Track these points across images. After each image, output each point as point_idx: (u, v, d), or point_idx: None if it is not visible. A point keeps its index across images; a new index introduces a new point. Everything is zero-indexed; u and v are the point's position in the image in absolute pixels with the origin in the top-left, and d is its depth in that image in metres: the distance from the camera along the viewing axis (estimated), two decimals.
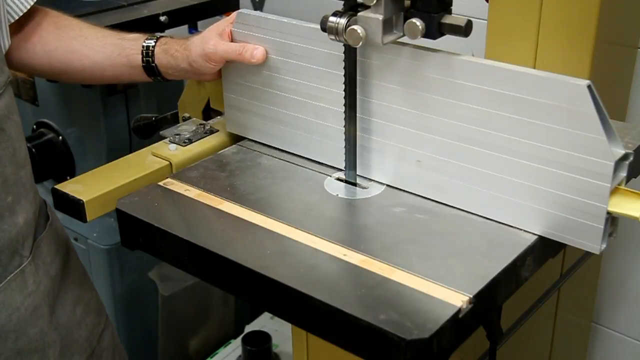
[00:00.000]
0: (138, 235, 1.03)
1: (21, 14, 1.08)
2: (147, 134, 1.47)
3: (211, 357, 1.90)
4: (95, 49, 1.15)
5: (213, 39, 1.12)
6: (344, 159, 1.08)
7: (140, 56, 1.15)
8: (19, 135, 1.02)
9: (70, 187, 1.09)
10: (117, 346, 1.29)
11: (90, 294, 1.21)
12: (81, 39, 1.16)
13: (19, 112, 1.03)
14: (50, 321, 1.09)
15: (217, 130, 1.25)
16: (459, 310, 0.81)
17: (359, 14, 0.94)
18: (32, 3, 1.09)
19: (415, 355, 0.77)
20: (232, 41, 1.13)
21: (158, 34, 1.18)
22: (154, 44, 1.15)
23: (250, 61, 1.11)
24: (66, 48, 1.15)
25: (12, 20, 1.08)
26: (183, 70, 1.14)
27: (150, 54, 1.14)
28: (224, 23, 1.14)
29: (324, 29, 0.98)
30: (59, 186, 1.09)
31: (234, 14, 1.14)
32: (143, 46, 1.15)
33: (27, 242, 1.03)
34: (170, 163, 1.15)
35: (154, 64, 1.14)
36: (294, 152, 1.16)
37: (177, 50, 1.14)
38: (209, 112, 1.33)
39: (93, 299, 1.22)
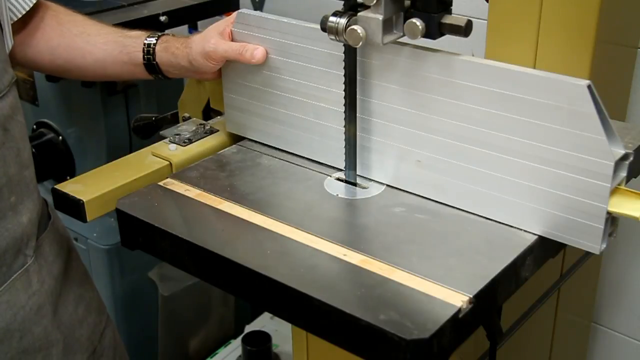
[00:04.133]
0: (138, 235, 1.03)
1: (24, 12, 1.08)
2: (147, 134, 1.47)
3: (211, 357, 1.90)
4: (98, 46, 1.15)
5: (214, 38, 1.12)
6: (344, 159, 1.08)
7: (141, 54, 1.15)
8: (23, 135, 1.02)
9: (70, 187, 1.09)
10: (118, 345, 1.29)
11: (92, 293, 1.21)
12: (84, 35, 1.16)
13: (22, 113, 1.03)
14: (54, 320, 1.09)
15: (217, 130, 1.24)
16: (459, 310, 0.81)
17: (359, 14, 0.94)
18: (35, 0, 1.09)
19: (415, 355, 0.77)
20: (232, 41, 1.13)
21: (159, 33, 1.18)
22: (155, 41, 1.15)
23: (250, 61, 1.11)
24: (69, 45, 1.16)
25: (16, 19, 1.07)
26: (184, 68, 1.14)
27: (151, 51, 1.14)
28: (225, 23, 1.14)
29: (324, 29, 0.98)
30: (59, 186, 1.09)
31: (234, 14, 1.14)
32: (144, 44, 1.15)
33: (31, 242, 1.04)
34: (170, 163, 1.15)
35: (154, 62, 1.15)
36: (294, 152, 1.16)
37: (177, 48, 1.14)
38: (209, 112, 1.33)
39: (94, 298, 1.22)
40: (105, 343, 1.22)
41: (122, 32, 1.18)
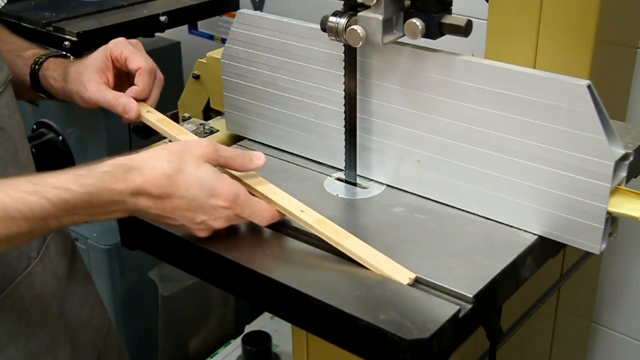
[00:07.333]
0: (138, 235, 1.03)
1: None
2: (147, 134, 1.46)
3: (211, 357, 1.90)
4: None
5: (91, 83, 1.06)
6: (344, 159, 1.08)
7: (28, 77, 1.12)
8: (21, 135, 1.01)
9: None
10: (122, 350, 1.29)
11: (95, 296, 1.21)
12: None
13: (19, 112, 1.02)
14: (59, 322, 1.08)
15: (217, 130, 1.24)
16: (459, 310, 0.81)
17: (359, 14, 0.94)
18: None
19: (415, 355, 0.77)
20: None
21: (48, 54, 1.13)
22: (38, 67, 1.11)
23: (122, 115, 1.07)
24: None
25: None
26: (62, 96, 1.11)
27: (35, 75, 1.11)
28: (103, 56, 1.07)
29: (324, 29, 0.98)
30: None
31: (117, 41, 1.09)
32: (30, 67, 1.12)
33: (34, 243, 1.03)
34: None
35: (41, 87, 1.12)
36: (294, 152, 1.16)
37: (55, 79, 1.10)
38: (209, 112, 1.33)
39: (97, 301, 1.21)
40: (109, 347, 1.22)
41: (18, 49, 1.14)
